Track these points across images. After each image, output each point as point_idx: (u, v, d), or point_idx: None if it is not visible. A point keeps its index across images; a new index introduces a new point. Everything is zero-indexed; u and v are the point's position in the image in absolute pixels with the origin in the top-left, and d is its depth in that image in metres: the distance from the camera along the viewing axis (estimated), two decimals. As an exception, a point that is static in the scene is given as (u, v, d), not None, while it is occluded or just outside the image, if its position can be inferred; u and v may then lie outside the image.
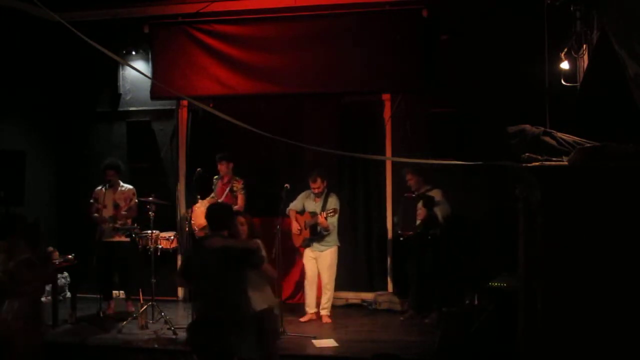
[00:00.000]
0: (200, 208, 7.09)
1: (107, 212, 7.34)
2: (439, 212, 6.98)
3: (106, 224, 7.31)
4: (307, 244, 7.18)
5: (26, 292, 4.92)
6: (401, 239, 7.33)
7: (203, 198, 7.43)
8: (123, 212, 7.34)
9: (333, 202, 7.12)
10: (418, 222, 7.04)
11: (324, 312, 7.22)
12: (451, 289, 6.92)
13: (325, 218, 6.98)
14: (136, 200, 7.32)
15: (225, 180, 7.45)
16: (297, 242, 7.28)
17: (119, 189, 7.45)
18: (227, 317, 4.56)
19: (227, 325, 4.54)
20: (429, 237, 7.02)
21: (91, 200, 7.39)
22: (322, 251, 7.17)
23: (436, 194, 7.08)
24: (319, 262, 7.19)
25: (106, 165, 7.43)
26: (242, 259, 4.68)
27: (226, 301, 4.59)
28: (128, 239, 7.29)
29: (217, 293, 4.59)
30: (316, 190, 7.09)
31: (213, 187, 7.42)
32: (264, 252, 4.90)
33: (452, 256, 7.12)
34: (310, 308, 7.22)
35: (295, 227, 7.21)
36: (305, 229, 7.14)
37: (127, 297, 7.51)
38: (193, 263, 4.82)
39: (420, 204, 7.03)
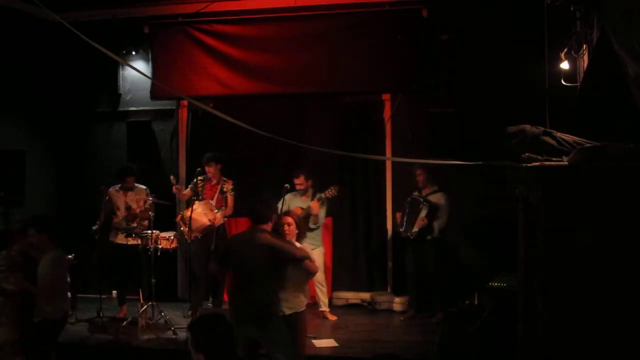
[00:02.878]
0: (197, 210, 6.94)
1: (122, 214, 7.32)
2: (436, 224, 7.01)
3: (118, 226, 7.27)
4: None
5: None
6: (405, 235, 7.29)
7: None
8: (137, 213, 7.25)
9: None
10: (416, 229, 7.02)
11: (327, 309, 7.26)
12: (453, 289, 6.93)
13: (319, 200, 6.93)
14: (150, 200, 7.17)
15: (214, 182, 7.33)
16: None
17: (134, 189, 7.40)
18: (255, 314, 4.67)
19: (255, 322, 4.66)
20: (429, 238, 7.03)
21: (105, 200, 7.33)
22: (312, 249, 7.08)
23: (440, 198, 7.07)
24: None
25: (124, 171, 7.34)
26: (286, 261, 4.80)
27: (258, 298, 4.69)
28: (137, 242, 7.17)
29: (259, 288, 4.71)
30: (299, 187, 7.09)
31: (192, 186, 7.28)
32: (310, 256, 5.01)
33: (452, 256, 7.12)
34: None
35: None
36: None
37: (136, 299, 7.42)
38: (234, 254, 4.90)
39: (423, 214, 7.00)
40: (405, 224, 7.16)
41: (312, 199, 7.08)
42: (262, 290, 4.72)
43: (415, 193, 7.26)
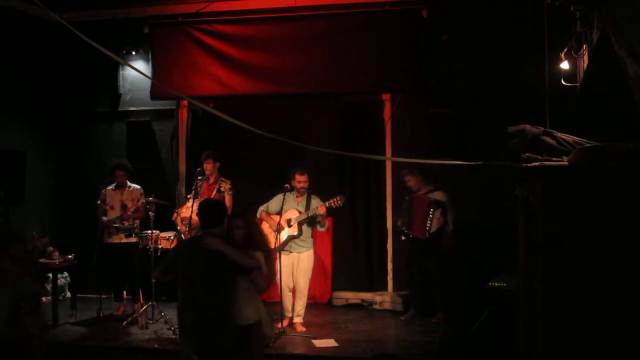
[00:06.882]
0: (191, 207, 6.83)
1: (115, 213, 7.29)
2: (450, 219, 6.96)
3: (113, 225, 7.24)
4: (287, 245, 6.74)
5: None
6: (403, 238, 7.23)
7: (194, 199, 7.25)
8: (130, 213, 7.25)
9: (317, 202, 6.77)
10: (434, 229, 6.94)
11: (298, 320, 6.73)
12: (454, 289, 6.92)
13: (328, 207, 6.63)
14: (144, 201, 7.19)
15: (212, 180, 7.31)
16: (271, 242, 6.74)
17: (127, 189, 7.39)
18: (213, 324, 4.36)
19: (212, 332, 4.37)
20: (441, 242, 6.98)
21: (98, 202, 7.32)
22: (300, 252, 6.76)
23: (440, 195, 7.04)
24: (297, 266, 6.74)
25: (115, 165, 7.37)
26: (236, 267, 4.42)
27: (214, 307, 4.38)
28: (135, 240, 7.16)
29: (206, 297, 4.40)
30: (301, 185, 6.75)
31: (193, 187, 7.22)
32: (262, 266, 4.55)
33: (456, 257, 7.10)
34: (289, 312, 6.80)
35: (272, 225, 6.71)
36: (290, 225, 6.74)
37: (134, 299, 7.38)
38: (183, 260, 4.59)
39: (438, 214, 6.94)
40: (407, 224, 7.11)
41: (307, 201, 6.83)
42: (209, 299, 4.37)
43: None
